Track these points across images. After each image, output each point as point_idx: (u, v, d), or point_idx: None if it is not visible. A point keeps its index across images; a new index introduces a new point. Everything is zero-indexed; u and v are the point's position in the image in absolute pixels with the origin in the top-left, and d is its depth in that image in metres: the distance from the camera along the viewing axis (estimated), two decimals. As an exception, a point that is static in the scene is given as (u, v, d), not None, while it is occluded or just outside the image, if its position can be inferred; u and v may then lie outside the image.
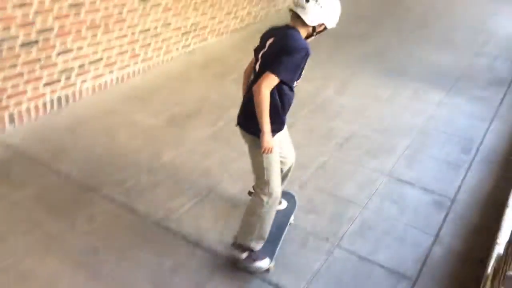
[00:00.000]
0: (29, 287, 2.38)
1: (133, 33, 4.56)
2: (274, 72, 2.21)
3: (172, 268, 2.53)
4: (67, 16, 3.87)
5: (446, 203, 3.18)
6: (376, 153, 3.68)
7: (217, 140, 3.73)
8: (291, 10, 2.31)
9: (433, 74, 5.11)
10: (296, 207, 2.92)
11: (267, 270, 2.51)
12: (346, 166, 3.52)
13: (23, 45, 3.61)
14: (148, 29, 4.72)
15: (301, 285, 2.49)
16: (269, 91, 2.23)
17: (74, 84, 4.13)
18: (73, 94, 4.15)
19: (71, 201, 2.97)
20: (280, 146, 2.56)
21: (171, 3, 4.88)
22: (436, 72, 5.16)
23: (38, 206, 2.91)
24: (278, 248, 2.58)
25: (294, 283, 2.49)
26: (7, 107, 3.64)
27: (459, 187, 3.34)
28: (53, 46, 3.86)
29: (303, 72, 2.39)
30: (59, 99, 4.03)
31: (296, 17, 2.31)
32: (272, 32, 2.37)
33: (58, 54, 3.92)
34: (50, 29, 3.78)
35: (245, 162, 3.44)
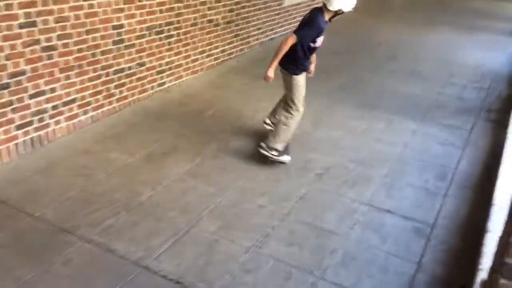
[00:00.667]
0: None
1: (107, 73, 4.56)
2: (295, 33, 3.60)
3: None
4: (39, 59, 3.86)
5: (426, 230, 3.19)
6: (355, 183, 3.70)
7: (195, 177, 3.69)
8: None
9: (405, 105, 5.25)
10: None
11: (285, 163, 3.87)
12: (326, 197, 3.53)
13: (-5, 88, 3.57)
14: (123, 69, 4.74)
15: (287, 320, 2.43)
16: (289, 44, 3.57)
17: (47, 125, 4.07)
18: (47, 135, 4.08)
19: (45, 244, 2.86)
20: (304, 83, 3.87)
21: (145, 43, 4.94)
22: (408, 103, 5.31)
23: (10, 251, 2.79)
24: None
25: (280, 319, 2.43)
26: (-23, 150, 3.56)
27: (438, 213, 3.37)
28: (25, 89, 3.82)
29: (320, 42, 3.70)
30: (32, 140, 3.96)
31: (323, 3, 3.55)
32: (310, 10, 3.73)
33: (31, 96, 3.88)
34: (22, 72, 3.76)
35: (224, 198, 3.43)
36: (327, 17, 3.61)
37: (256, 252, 2.91)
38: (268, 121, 4.21)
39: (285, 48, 3.55)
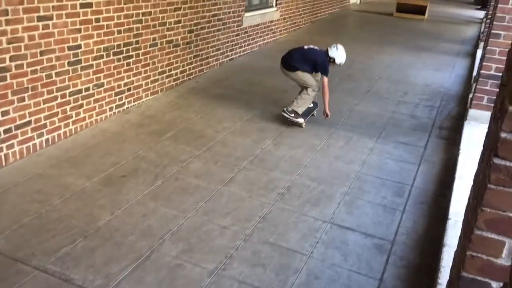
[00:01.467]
0: None
1: (63, 95, 4.45)
2: (326, 75, 5.10)
3: None
4: (-9, 80, 3.73)
5: (386, 246, 3.27)
6: (317, 202, 3.75)
7: (156, 199, 3.63)
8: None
9: (362, 123, 5.40)
10: (317, 107, 5.51)
11: (302, 125, 5.20)
12: (289, 216, 3.55)
13: None
14: (80, 90, 4.64)
15: None
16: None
17: (-1, 150, 3.91)
18: (-1, 159, 3.91)
19: (-4, 276, 2.71)
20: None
21: (102, 64, 4.86)
22: (365, 121, 5.47)
23: (-43, 285, 2.63)
24: (308, 117, 5.34)
25: None
26: None
27: (397, 229, 3.46)
28: (-24, 111, 3.67)
29: None
30: (-18, 166, 3.78)
31: (331, 57, 5.13)
32: (318, 53, 5.19)
33: (-18, 119, 3.72)
34: (-27, 93, 3.61)
35: (186, 220, 3.39)
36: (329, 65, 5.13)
37: (220, 274, 2.88)
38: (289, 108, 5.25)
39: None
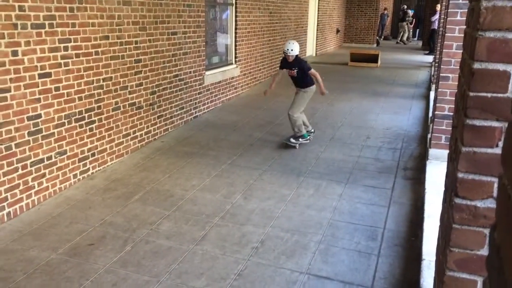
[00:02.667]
0: None
1: (24, 166, 4.33)
2: (310, 69, 6.17)
3: None
4: None
5: (365, 292, 3.23)
6: (292, 253, 3.71)
7: (126, 266, 3.49)
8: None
9: (329, 170, 5.48)
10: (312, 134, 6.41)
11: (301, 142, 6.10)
12: (265, 270, 3.47)
13: None
14: (41, 160, 4.53)
15: None
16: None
17: (-44, 228, 3.71)
18: (-45, 239, 3.70)
19: None
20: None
21: (64, 132, 4.80)
22: (332, 167, 5.56)
23: None
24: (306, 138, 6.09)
25: None
26: None
27: (374, 274, 3.44)
28: None
29: None
30: None
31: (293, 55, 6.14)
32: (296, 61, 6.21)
33: None
34: None
35: (159, 285, 3.26)
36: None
37: None
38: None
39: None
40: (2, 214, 4.12)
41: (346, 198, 4.74)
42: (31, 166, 4.41)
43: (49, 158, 4.63)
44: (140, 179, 5.15)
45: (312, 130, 6.53)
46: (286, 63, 6.15)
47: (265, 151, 6.15)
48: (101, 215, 4.29)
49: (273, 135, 6.88)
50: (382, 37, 25.55)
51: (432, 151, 5.05)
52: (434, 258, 2.90)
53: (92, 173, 5.27)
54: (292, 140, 6.16)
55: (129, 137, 5.90)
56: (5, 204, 4.15)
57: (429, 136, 5.54)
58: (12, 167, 4.20)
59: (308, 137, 6.32)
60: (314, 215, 4.35)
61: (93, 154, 5.26)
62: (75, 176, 5.01)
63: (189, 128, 7.16)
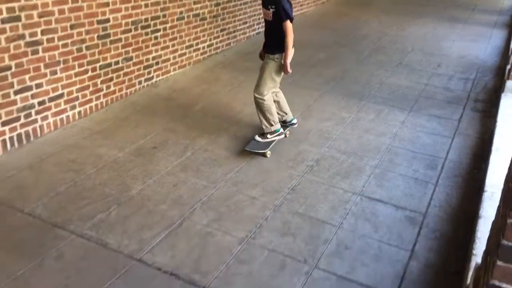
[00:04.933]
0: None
1: (94, 68, 4.50)
2: (288, 19, 3.65)
3: (148, 303, 2.42)
4: (24, 54, 3.79)
5: (418, 218, 3.22)
6: (346, 174, 3.71)
7: (186, 170, 3.67)
8: None
9: (393, 96, 5.28)
10: (294, 126, 4.27)
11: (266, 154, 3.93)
12: (318, 188, 3.53)
13: (-21, 83, 3.50)
14: (109, 64, 4.68)
15: (283, 309, 2.42)
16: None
17: (34, 121, 4.00)
18: (34, 131, 4.01)
19: (37, 239, 2.82)
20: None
21: (131, 38, 4.88)
22: (396, 94, 5.34)
23: (1, 247, 2.73)
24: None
25: (276, 308, 2.43)
26: (-38, 147, 3.48)
27: (429, 202, 3.40)
28: (11, 84, 3.75)
29: None
30: (19, 136, 3.89)
31: None
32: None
33: (16, 92, 3.80)
34: (7, 68, 3.68)
35: (216, 191, 3.42)
36: None
37: (250, 243, 2.90)
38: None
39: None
40: (73, 113, 4.38)
41: (408, 125, 4.58)
42: (99, 69, 4.58)
43: (117, 63, 4.77)
44: (201, 91, 5.23)
45: (294, 121, 4.25)
46: None
47: (328, 72, 5.98)
48: (164, 122, 4.45)
49: (337, 56, 6.64)
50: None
51: (509, 83, 4.69)
52: (497, 190, 2.81)
53: (156, 81, 5.40)
54: (257, 138, 3.95)
55: (191, 49, 5.92)
56: (76, 103, 4.39)
57: (508, 67, 5.12)
58: (82, 68, 4.38)
59: (282, 132, 4.04)
60: (373, 140, 4.27)
61: (157, 63, 5.36)
62: (140, 82, 5.16)
63: (252, 43, 7.04)
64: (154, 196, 3.32)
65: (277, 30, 3.66)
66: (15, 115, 3.82)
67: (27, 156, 3.76)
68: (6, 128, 3.78)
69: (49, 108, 4.12)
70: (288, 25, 3.62)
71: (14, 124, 3.83)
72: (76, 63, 4.29)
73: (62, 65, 4.16)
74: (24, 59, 3.81)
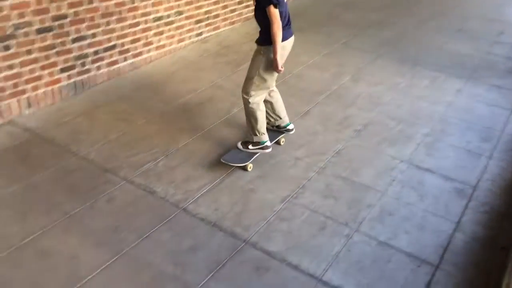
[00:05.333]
0: (49, 263, 2.38)
1: (146, 21, 4.53)
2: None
3: (191, 248, 2.52)
4: (80, 3, 3.85)
5: (467, 191, 3.11)
6: (395, 141, 3.62)
7: (231, 127, 3.69)
8: None
9: (451, 63, 5.02)
10: (291, 132, 3.48)
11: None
12: (364, 153, 3.47)
13: (38, 31, 3.60)
14: (161, 17, 4.69)
15: (322, 267, 2.45)
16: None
17: (89, 70, 4.12)
18: (89, 79, 4.14)
19: (89, 182, 2.97)
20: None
21: (184, -9, 4.85)
22: (454, 61, 5.07)
23: (56, 187, 2.91)
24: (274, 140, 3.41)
25: (315, 265, 2.46)
26: (24, 91, 3.64)
27: (481, 175, 3.27)
28: (68, 33, 3.84)
29: None
30: (75, 84, 4.02)
31: None
32: None
33: (73, 40, 3.90)
34: (65, 16, 3.77)
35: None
36: None
37: (292, 202, 2.93)
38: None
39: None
40: (125, 64, 4.46)
41: (465, 94, 4.37)
42: (152, 22, 4.60)
43: (168, 16, 4.78)
44: (250, 48, 5.13)
45: (290, 127, 3.45)
46: None
47: (383, 34, 5.74)
48: (212, 78, 4.47)
49: (393, 19, 6.34)
50: None
51: None
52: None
53: (206, 37, 5.38)
54: (239, 145, 3.26)
55: (242, 5, 5.82)
56: (129, 54, 4.46)
57: None
58: (135, 20, 4.42)
59: (268, 146, 3.23)
60: (425, 107, 4.12)
61: (207, 18, 5.32)
62: (190, 37, 5.17)
63: (302, 3, 6.83)
64: (201, 149, 3.38)
65: (262, 17, 2.88)
66: (71, 63, 3.94)
67: (82, 103, 3.90)
68: (64, 75, 3.91)
69: (103, 58, 4.21)
70: (272, 11, 2.79)
71: (70, 72, 3.96)
72: (130, 15, 4.33)
73: (116, 16, 4.20)
74: (81, 8, 3.88)
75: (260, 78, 3.04)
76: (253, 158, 3.19)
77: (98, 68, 4.20)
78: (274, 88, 3.30)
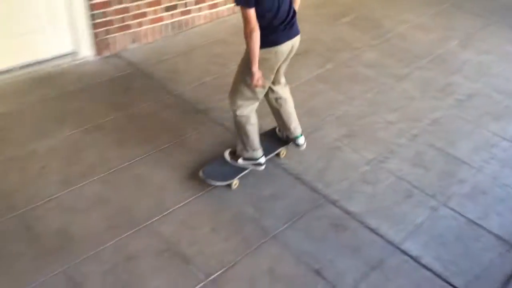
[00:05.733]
0: (140, 188, 2.57)
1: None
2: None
3: (272, 196, 2.57)
4: None
5: None
6: (499, 116, 3.33)
7: (325, 82, 3.61)
8: None
9: None
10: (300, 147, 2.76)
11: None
12: (463, 125, 3.24)
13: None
14: (266, -38, 4.58)
15: (401, 235, 2.39)
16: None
17: (190, 11, 4.20)
18: (189, 20, 4.23)
19: (181, 120, 3.10)
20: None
21: None
22: None
23: (151, 120, 3.08)
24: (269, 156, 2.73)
25: (394, 232, 2.40)
26: (130, 26, 3.81)
27: None
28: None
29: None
30: (175, 24, 4.13)
31: None
32: None
33: (179, -20, 3.97)
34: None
35: (352, 107, 3.33)
36: None
37: (378, 166, 2.84)
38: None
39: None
40: (225, 9, 4.47)
41: None
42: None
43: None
44: (352, 2, 4.94)
45: (299, 141, 2.75)
46: None
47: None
48: (310, 30, 4.35)
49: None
50: None
51: None
52: None
53: (308, -14, 5.21)
54: (226, 155, 2.67)
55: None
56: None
57: None
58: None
59: (262, 164, 2.62)
60: (541, 84, 3.71)
61: (312, -33, 5.12)
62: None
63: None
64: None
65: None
66: (175, 2, 4.03)
67: (180, 43, 4.01)
68: (168, 14, 4.02)
69: (204, 1, 4.26)
70: (243, 11, 2.19)
71: (173, 12, 4.05)
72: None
73: (221, -42, 4.19)
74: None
75: (245, 86, 2.39)
76: (241, 175, 2.58)
77: (200, 9, 4.26)
78: (282, 95, 2.65)
